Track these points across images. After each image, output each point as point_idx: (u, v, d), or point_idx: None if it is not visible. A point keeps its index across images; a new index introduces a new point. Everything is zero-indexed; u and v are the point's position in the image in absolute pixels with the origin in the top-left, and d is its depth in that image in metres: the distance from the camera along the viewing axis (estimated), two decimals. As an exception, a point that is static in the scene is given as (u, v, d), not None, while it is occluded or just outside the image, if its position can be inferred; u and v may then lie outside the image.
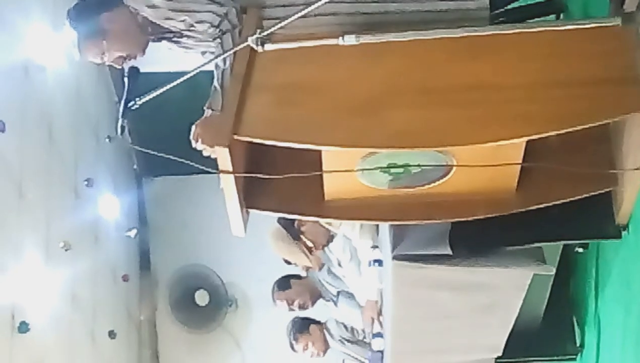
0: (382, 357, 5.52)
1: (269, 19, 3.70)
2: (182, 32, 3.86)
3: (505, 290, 4.25)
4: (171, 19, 3.80)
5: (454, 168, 3.41)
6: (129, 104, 3.31)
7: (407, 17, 3.75)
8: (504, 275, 4.15)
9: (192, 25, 3.79)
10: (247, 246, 7.45)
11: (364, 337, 6.24)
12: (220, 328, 8.71)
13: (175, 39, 3.94)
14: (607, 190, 3.65)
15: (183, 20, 3.78)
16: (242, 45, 3.19)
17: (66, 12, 3.82)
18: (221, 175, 3.30)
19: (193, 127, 3.78)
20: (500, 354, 4.78)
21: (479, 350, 4.77)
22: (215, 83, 3.76)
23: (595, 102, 3.19)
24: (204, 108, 3.81)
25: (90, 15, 3.79)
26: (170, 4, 3.77)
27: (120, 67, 3.90)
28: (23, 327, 5.26)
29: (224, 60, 3.65)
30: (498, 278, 4.18)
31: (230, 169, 3.26)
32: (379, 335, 5.77)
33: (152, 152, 3.44)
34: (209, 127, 3.70)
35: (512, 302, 4.34)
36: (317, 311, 6.47)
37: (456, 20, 3.73)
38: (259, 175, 3.43)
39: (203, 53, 3.95)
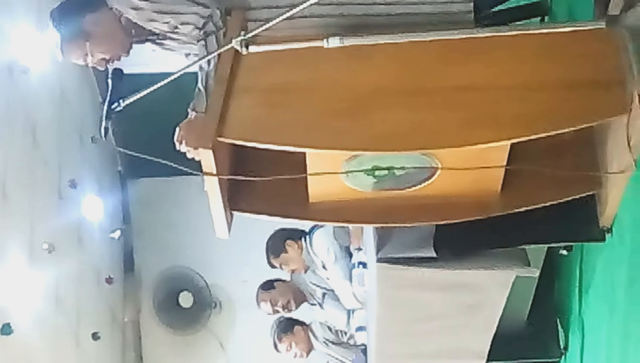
0: (366, 360, 5.53)
1: (253, 20, 3.70)
2: (166, 34, 3.85)
3: (489, 289, 4.25)
4: (155, 20, 3.78)
5: (439, 170, 3.41)
6: (113, 106, 3.29)
7: (393, 19, 3.76)
8: (487, 276, 4.16)
9: (176, 27, 3.78)
10: (232, 248, 7.45)
11: (349, 339, 6.25)
12: (205, 330, 8.70)
13: (158, 40, 3.93)
14: (592, 192, 3.66)
15: (167, 22, 3.77)
16: (226, 48, 3.18)
17: (49, 12, 3.80)
18: (205, 177, 3.29)
19: (177, 129, 3.77)
20: (484, 362, 4.77)
21: (463, 355, 4.76)
22: (200, 85, 3.75)
23: (581, 104, 3.20)
24: (188, 110, 3.81)
25: (74, 17, 3.76)
26: (154, 5, 3.75)
27: (103, 68, 3.88)
28: (6, 329, 5.24)
29: (208, 62, 3.64)
30: (482, 278, 4.18)
31: (214, 171, 3.24)
32: (363, 328, 5.78)
33: (136, 154, 3.42)
34: (192, 129, 3.69)
35: (495, 301, 4.34)
36: (302, 314, 6.47)
37: (441, 23, 3.74)
38: (243, 178, 3.42)
39: (187, 55, 3.94)
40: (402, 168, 3.41)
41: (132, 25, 3.84)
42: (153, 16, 3.77)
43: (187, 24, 3.74)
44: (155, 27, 3.81)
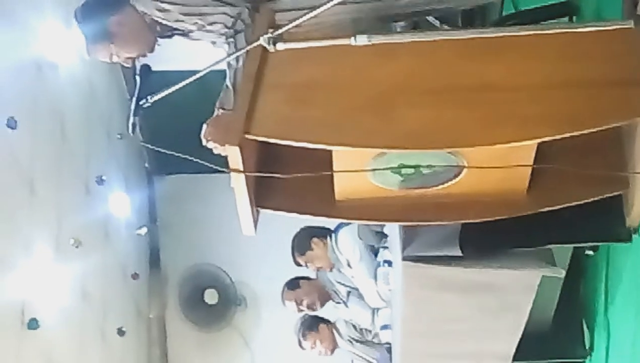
0: (390, 359, 5.52)
1: (280, 11, 3.69)
2: (194, 32, 3.86)
3: (514, 291, 4.24)
4: (182, 21, 3.79)
5: (465, 169, 3.40)
6: (141, 102, 3.31)
7: (417, 1, 3.75)
8: (513, 277, 4.14)
9: (204, 27, 3.78)
10: (257, 245, 7.47)
11: (373, 338, 6.25)
12: (230, 327, 8.73)
13: (185, 35, 3.93)
14: (618, 192, 3.64)
15: (195, 23, 3.77)
16: (254, 45, 3.19)
17: (73, 12, 3.81)
18: (232, 174, 3.29)
19: (204, 126, 3.78)
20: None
21: (488, 357, 4.75)
22: (228, 82, 3.76)
23: (608, 104, 3.18)
24: (215, 107, 3.82)
25: (98, 18, 3.77)
26: (180, 8, 3.75)
27: (130, 66, 3.90)
28: (33, 324, 5.27)
29: (237, 59, 3.64)
30: (507, 279, 4.16)
31: (241, 168, 3.25)
32: (387, 327, 5.78)
33: (163, 150, 3.44)
34: (220, 126, 3.71)
35: (521, 304, 4.32)
36: (327, 312, 6.47)
37: (468, 3, 3.73)
38: (269, 175, 3.42)
39: (213, 43, 3.94)
40: (429, 166, 3.40)
41: (157, 23, 3.85)
42: (180, 17, 3.77)
43: (216, 23, 3.74)
44: (183, 27, 3.82)
